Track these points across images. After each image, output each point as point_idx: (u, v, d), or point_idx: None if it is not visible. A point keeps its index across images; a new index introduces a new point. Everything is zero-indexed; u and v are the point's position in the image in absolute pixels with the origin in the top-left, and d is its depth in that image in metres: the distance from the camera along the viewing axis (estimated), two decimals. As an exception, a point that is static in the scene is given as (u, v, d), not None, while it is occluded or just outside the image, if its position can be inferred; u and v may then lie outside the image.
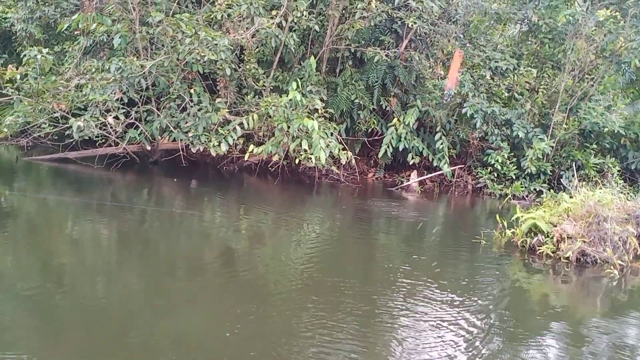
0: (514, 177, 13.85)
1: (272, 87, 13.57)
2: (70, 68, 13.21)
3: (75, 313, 5.60)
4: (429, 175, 14.37)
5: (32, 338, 5.09)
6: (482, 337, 5.72)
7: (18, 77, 12.23)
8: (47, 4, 15.03)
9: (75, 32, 13.80)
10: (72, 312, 5.62)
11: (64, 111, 12.25)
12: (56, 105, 12.12)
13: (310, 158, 12.04)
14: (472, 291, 7.10)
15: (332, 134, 12.51)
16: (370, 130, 14.35)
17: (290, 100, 12.21)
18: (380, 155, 14.02)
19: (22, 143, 13.92)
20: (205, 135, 12.41)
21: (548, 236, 8.89)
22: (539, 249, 8.77)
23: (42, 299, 5.82)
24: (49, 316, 5.49)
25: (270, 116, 12.38)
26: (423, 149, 14.05)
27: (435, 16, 14.01)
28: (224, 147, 12.26)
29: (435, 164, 14.03)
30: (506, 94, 15.51)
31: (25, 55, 12.57)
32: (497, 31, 17.08)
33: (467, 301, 6.65)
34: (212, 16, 12.67)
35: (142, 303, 6.07)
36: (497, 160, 13.84)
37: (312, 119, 11.97)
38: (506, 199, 13.00)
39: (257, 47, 13.26)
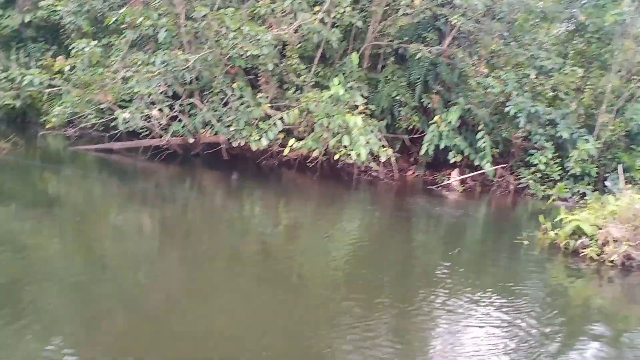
0: (557, 178, 13.56)
1: (313, 83, 13.59)
2: (116, 61, 13.46)
3: (116, 297, 5.72)
4: (471, 175, 14.19)
5: (75, 321, 5.23)
6: (520, 340, 5.61)
7: (67, 68, 12.55)
8: (95, -2, 15.34)
9: (122, 26, 14.04)
10: (113, 297, 5.73)
11: (110, 103, 12.51)
12: (103, 96, 12.39)
13: (350, 154, 12.01)
14: (513, 293, 6.98)
15: (372, 131, 12.46)
16: (411, 127, 14.24)
17: (331, 95, 12.21)
18: (421, 152, 13.90)
19: (69, 133, 14.27)
20: (247, 129, 12.51)
21: (592, 239, 8.68)
22: (583, 252, 8.57)
23: (86, 282, 5.97)
24: (91, 300, 5.61)
25: (310, 111, 12.40)
26: (465, 147, 13.87)
27: (480, 13, 13.81)
28: (264, 142, 12.34)
29: (476, 163, 13.83)
30: (551, 94, 15.18)
31: (73, 48, 12.88)
32: (543, 30, 16.74)
33: (507, 303, 6.53)
34: (255, 11, 12.78)
35: (181, 289, 6.16)
36: (541, 161, 13.58)
37: (354, 115, 11.94)
38: (549, 201, 12.73)
39: (300, 43, 13.31)
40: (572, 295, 7.52)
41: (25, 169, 12.19)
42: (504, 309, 6.30)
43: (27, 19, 17.50)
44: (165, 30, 12.71)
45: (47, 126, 13.88)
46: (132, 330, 5.10)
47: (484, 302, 6.45)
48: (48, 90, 12.82)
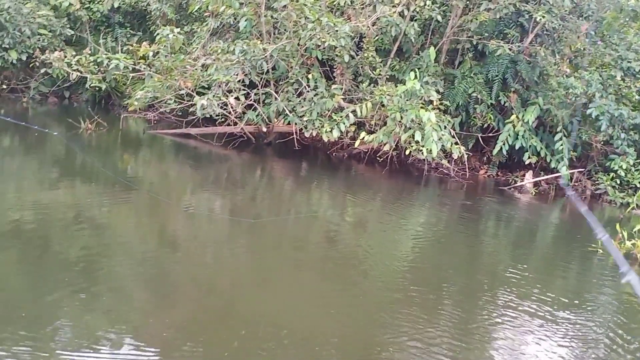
0: (638, 186, 12.98)
1: (388, 76, 13.53)
2: (197, 48, 13.85)
3: (185, 281, 5.95)
4: (545, 177, 13.77)
5: (147, 300, 5.49)
6: (587, 353, 5.46)
7: (150, 54, 13.02)
8: (181, -14, 15.84)
9: (205, 14, 14.44)
10: (183, 280, 5.97)
11: (190, 89, 12.89)
12: (183, 83, 12.78)
13: (421, 150, 11.90)
14: (582, 305, 6.76)
15: (445, 127, 12.30)
16: (485, 125, 13.94)
17: (406, 90, 12.12)
18: (494, 152, 13.60)
19: (149, 117, 14.83)
20: (319, 120, 12.61)
21: (673, 252, 8.30)
22: (662, 265, 8.21)
23: (159, 263, 6.25)
24: (163, 281, 5.87)
25: (383, 105, 12.36)
26: (541, 148, 13.46)
27: (566, 11, 13.31)
28: (335, 133, 12.41)
29: (552, 165, 13.39)
30: (637, 97, 14.47)
31: (158, 34, 13.35)
32: (633, 30, 15.97)
33: (575, 316, 6.32)
34: (335, 2, 12.83)
35: (247, 276, 6.35)
36: (621, 167, 13.02)
37: (427, 111, 11.81)
38: (628, 209, 12.21)
39: (377, 35, 13.26)
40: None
41: (108, 149, 12.81)
42: (572, 320, 6.13)
43: (116, 4, 18.19)
44: (246, 20, 12.97)
45: (130, 109, 14.47)
46: (199, 312, 5.30)
47: (551, 311, 6.29)
48: (132, 74, 13.35)
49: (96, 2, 18.37)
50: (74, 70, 12.88)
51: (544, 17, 12.76)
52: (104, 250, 6.36)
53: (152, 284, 5.78)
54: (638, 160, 13.16)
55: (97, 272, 5.74)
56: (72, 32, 17.28)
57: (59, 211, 7.56)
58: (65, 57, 12.80)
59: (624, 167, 13.01)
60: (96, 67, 13.11)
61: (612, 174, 13.22)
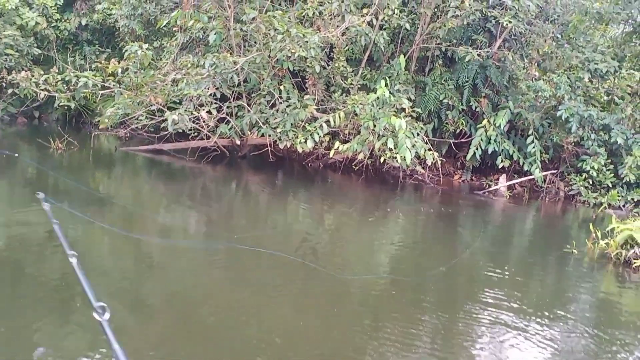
0: (610, 185, 13.16)
1: (359, 85, 13.58)
2: (167, 63, 13.77)
3: (163, 300, 5.84)
4: (519, 180, 13.90)
5: (122, 315, 5.37)
6: (568, 353, 5.48)
7: (119, 70, 12.89)
8: (148, 1, 15.77)
9: (174, 29, 14.39)
10: (160, 299, 5.86)
11: (161, 104, 12.78)
12: (153, 98, 12.66)
13: (396, 157, 11.93)
14: (561, 305, 6.80)
15: (418, 134, 12.35)
16: (458, 131, 14.05)
17: (378, 98, 12.16)
18: (468, 157, 13.71)
19: (121, 134, 14.68)
20: (293, 131, 12.58)
21: (646, 249, 8.39)
22: (635, 262, 8.29)
23: (134, 283, 6.12)
24: (139, 301, 5.75)
25: (356, 114, 12.38)
26: (513, 152, 13.61)
27: (532, 15, 13.51)
28: (310, 144, 12.38)
29: (525, 168, 13.54)
30: (605, 98, 14.75)
31: (126, 50, 13.23)
32: (598, 32, 16.28)
33: (555, 315, 6.35)
34: (303, 14, 12.84)
35: (225, 289, 6.24)
36: (593, 167, 13.20)
37: (399, 118, 11.86)
38: (601, 208, 12.37)
39: (347, 45, 13.31)
40: (624, 307, 7.25)
41: (79, 168, 12.60)
42: (552, 321, 6.14)
43: (84, 22, 18.10)
44: (215, 33, 12.93)
45: (100, 127, 14.30)
46: (172, 328, 5.20)
47: (531, 312, 6.30)
48: (102, 92, 13.20)
49: (63, 20, 18.22)
50: (42, 89, 12.69)
51: (510, 22, 12.93)
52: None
53: (126, 303, 5.66)
54: (609, 160, 13.36)
55: (72, 292, 5.60)
56: (40, 52, 17.09)
57: (29, 232, 7.39)
58: (33, 76, 12.61)
59: (596, 167, 13.19)
60: (64, 85, 12.93)
61: (584, 175, 13.39)
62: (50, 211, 4.03)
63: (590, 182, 13.35)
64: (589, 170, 13.25)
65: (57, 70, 13.14)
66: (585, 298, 7.28)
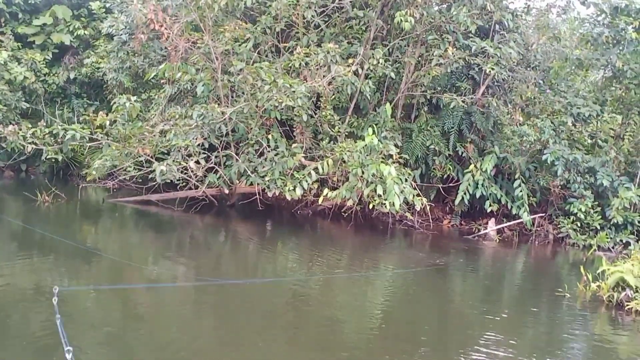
0: (598, 227, 13.21)
1: (347, 133, 13.69)
2: (155, 115, 13.86)
3: (148, 347, 5.70)
4: (508, 224, 13.93)
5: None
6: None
7: (107, 123, 12.91)
8: (136, 55, 15.96)
9: (162, 81, 14.54)
10: (146, 346, 5.73)
11: (149, 155, 12.79)
12: (141, 149, 12.67)
13: (384, 204, 11.93)
14: (555, 351, 6.73)
15: (406, 180, 12.38)
16: (445, 176, 14.13)
17: (365, 146, 12.25)
18: (456, 202, 13.75)
19: (109, 185, 14.64)
20: (281, 179, 12.60)
21: (637, 291, 8.36)
22: (628, 305, 8.24)
23: (122, 333, 5.98)
24: (127, 348, 5.61)
25: (344, 161, 12.43)
26: (501, 196, 13.68)
27: (514, 62, 13.80)
28: (298, 192, 12.37)
29: (514, 212, 13.59)
30: (589, 141, 14.97)
31: (115, 103, 13.34)
32: (579, 77, 16.64)
33: None
34: (290, 64, 13.04)
35: (212, 343, 6.10)
36: (580, 209, 13.27)
37: (387, 165, 11.92)
38: (590, 251, 12.38)
39: (333, 94, 13.47)
40: (618, 350, 7.18)
41: (65, 220, 12.49)
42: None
43: (72, 76, 18.26)
44: (203, 85, 13.07)
45: (88, 179, 14.25)
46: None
47: (524, 355, 6.22)
48: (89, 144, 13.20)
49: (52, 74, 18.37)
50: (30, 142, 12.67)
51: (493, 69, 13.18)
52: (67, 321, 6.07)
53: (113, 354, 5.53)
54: (596, 202, 13.44)
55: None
56: (28, 105, 17.19)
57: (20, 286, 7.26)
58: (21, 130, 12.61)
59: (583, 209, 13.25)
60: (52, 138, 12.93)
61: (572, 217, 13.44)
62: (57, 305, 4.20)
63: (579, 225, 13.39)
64: (577, 213, 13.31)
65: (44, 124, 13.15)
66: (579, 342, 7.21)
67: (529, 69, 14.87)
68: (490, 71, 13.30)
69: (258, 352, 5.94)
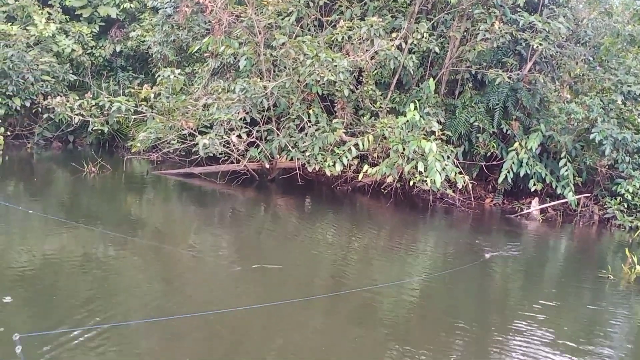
0: (646, 209, 12.87)
1: (388, 109, 13.57)
2: (198, 88, 13.99)
3: (190, 319, 5.83)
4: (552, 204, 13.66)
5: (152, 337, 5.37)
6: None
7: (152, 96, 13.12)
8: (181, 28, 16.10)
9: (205, 55, 14.65)
10: (188, 319, 5.85)
11: (192, 129, 12.95)
12: (185, 123, 12.85)
13: (425, 181, 11.84)
14: (596, 332, 6.61)
15: (448, 157, 12.25)
16: (489, 154, 13.89)
17: (407, 121, 12.13)
18: (499, 180, 13.53)
19: (153, 158, 14.90)
20: (322, 154, 12.61)
21: (686, 275, 8.14)
22: (675, 289, 8.04)
23: (165, 306, 6.13)
24: (169, 324, 5.75)
25: (385, 137, 12.35)
26: (546, 175, 13.40)
27: (563, 38, 13.40)
28: (338, 167, 12.37)
29: (558, 191, 13.31)
30: (639, 120, 14.48)
31: (159, 76, 13.50)
32: (631, 54, 16.04)
33: (590, 345, 6.17)
34: (333, 38, 12.96)
35: (250, 312, 6.19)
36: (628, 190, 12.92)
37: (429, 141, 11.79)
38: (637, 232, 12.07)
39: (376, 69, 13.35)
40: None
41: (111, 192, 12.81)
42: (588, 349, 5.97)
43: (118, 49, 18.55)
44: (246, 59, 13.12)
45: (133, 151, 14.53)
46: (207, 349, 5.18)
47: (566, 339, 6.13)
48: (134, 116, 13.45)
49: (98, 47, 18.69)
50: (77, 114, 12.96)
51: (541, 44, 12.82)
52: (108, 290, 6.27)
53: (158, 326, 5.67)
54: (645, 183, 13.06)
55: (98, 312, 5.63)
56: (75, 77, 17.53)
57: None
58: (68, 101, 12.91)
59: (631, 190, 12.91)
60: (98, 110, 13.21)
61: (619, 198, 13.10)
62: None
63: (626, 206, 13.05)
64: (624, 194, 12.97)
65: (91, 96, 13.43)
66: (621, 325, 7.06)
67: (578, 45, 14.41)
68: (537, 47, 12.94)
69: (297, 325, 6.02)
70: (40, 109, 14.60)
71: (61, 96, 13.58)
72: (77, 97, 13.44)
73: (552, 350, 5.87)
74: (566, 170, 13.20)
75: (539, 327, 6.44)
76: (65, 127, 16.65)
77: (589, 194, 13.94)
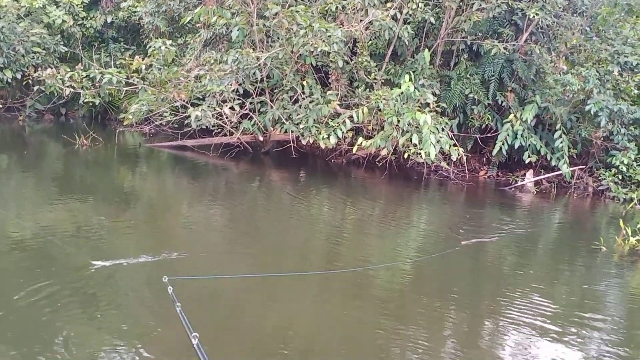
0: (640, 181, 12.84)
1: (383, 80, 13.45)
2: (190, 59, 13.83)
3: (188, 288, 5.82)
4: (546, 175, 13.64)
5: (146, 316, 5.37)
6: (597, 353, 5.32)
7: (143, 67, 12.96)
8: (172, -1, 15.84)
9: (197, 25, 14.44)
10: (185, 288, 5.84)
11: (184, 101, 12.84)
12: (177, 94, 12.72)
13: (420, 153, 11.78)
14: (590, 303, 6.63)
15: (443, 129, 12.17)
16: (483, 126, 13.80)
17: (402, 93, 12.02)
18: (494, 152, 13.46)
19: (145, 130, 14.80)
20: (316, 127, 12.52)
21: (679, 246, 8.15)
22: (668, 260, 8.07)
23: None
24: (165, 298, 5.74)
25: (380, 110, 12.26)
26: (541, 147, 13.33)
27: (559, 7, 13.22)
28: (332, 140, 12.30)
29: (553, 163, 13.27)
30: (635, 92, 14.36)
31: (150, 47, 13.31)
32: (628, 24, 15.87)
33: (583, 315, 6.18)
34: (326, 8, 12.77)
35: (248, 286, 6.20)
36: (623, 162, 12.88)
37: (424, 113, 11.70)
38: (631, 204, 12.06)
39: (370, 40, 13.20)
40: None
41: (104, 164, 12.73)
42: (581, 320, 5.99)
43: (109, 20, 18.26)
44: (238, 29, 12.93)
45: (125, 123, 14.42)
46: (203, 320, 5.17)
47: (555, 314, 6.14)
48: (126, 88, 13.29)
49: (89, 18, 18.41)
50: (68, 86, 12.81)
51: (537, 14, 12.67)
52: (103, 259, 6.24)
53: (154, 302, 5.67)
54: (639, 155, 13.02)
55: (100, 288, 5.62)
56: (66, 49, 17.31)
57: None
58: (59, 73, 12.74)
59: (626, 162, 12.87)
60: (90, 82, 13.05)
61: (613, 170, 13.07)
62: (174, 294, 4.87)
63: (620, 178, 13.03)
64: (619, 166, 12.93)
65: (82, 68, 13.27)
66: (614, 295, 7.09)
67: (575, 14, 14.23)
68: (534, 17, 12.78)
69: (289, 297, 6.03)
70: (31, 81, 14.41)
71: (52, 68, 13.40)
72: (68, 69, 13.27)
73: (545, 317, 5.89)
74: (561, 142, 13.14)
75: (530, 297, 6.46)
76: (57, 100, 16.48)
77: (583, 166, 13.90)
